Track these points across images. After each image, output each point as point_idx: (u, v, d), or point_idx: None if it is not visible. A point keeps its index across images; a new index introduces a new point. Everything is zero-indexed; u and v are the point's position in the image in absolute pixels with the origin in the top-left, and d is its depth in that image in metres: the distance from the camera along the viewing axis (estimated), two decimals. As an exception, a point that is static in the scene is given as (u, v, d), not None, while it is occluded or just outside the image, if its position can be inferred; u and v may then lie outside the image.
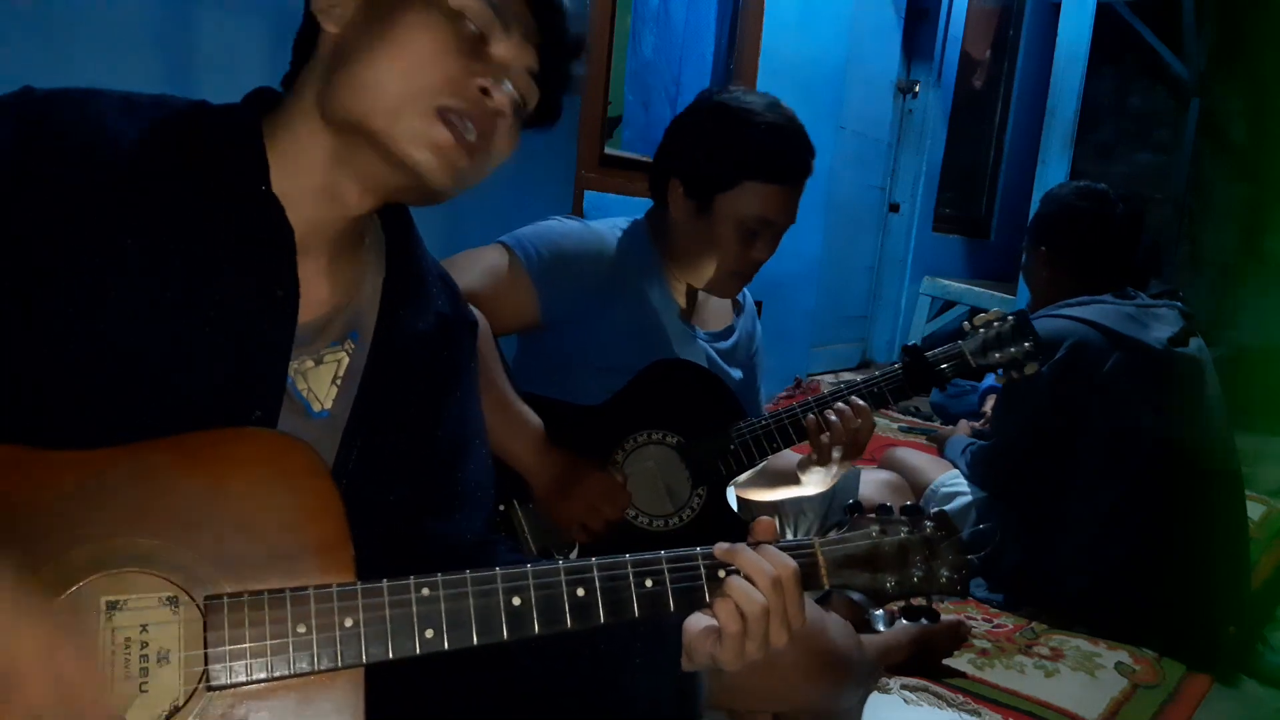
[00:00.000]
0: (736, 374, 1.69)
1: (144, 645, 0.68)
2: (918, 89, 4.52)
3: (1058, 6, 4.11)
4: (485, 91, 0.80)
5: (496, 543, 1.01)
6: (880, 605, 0.92)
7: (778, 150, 1.50)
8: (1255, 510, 2.79)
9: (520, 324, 1.51)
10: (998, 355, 1.54)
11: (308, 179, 0.81)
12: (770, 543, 0.87)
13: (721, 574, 0.84)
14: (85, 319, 0.73)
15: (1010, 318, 1.56)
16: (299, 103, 0.82)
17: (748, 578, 0.84)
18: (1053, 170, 3.98)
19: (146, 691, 0.68)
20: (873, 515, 0.94)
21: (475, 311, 1.38)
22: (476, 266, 1.46)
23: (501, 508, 1.42)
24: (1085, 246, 2.27)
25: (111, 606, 0.68)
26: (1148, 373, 2.08)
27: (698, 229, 1.54)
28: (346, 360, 0.87)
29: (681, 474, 1.50)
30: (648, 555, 0.83)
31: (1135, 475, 2.06)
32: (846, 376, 4.35)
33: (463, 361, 0.99)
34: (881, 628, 0.94)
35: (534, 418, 1.40)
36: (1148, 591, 2.05)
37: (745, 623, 0.83)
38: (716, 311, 1.73)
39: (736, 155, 1.50)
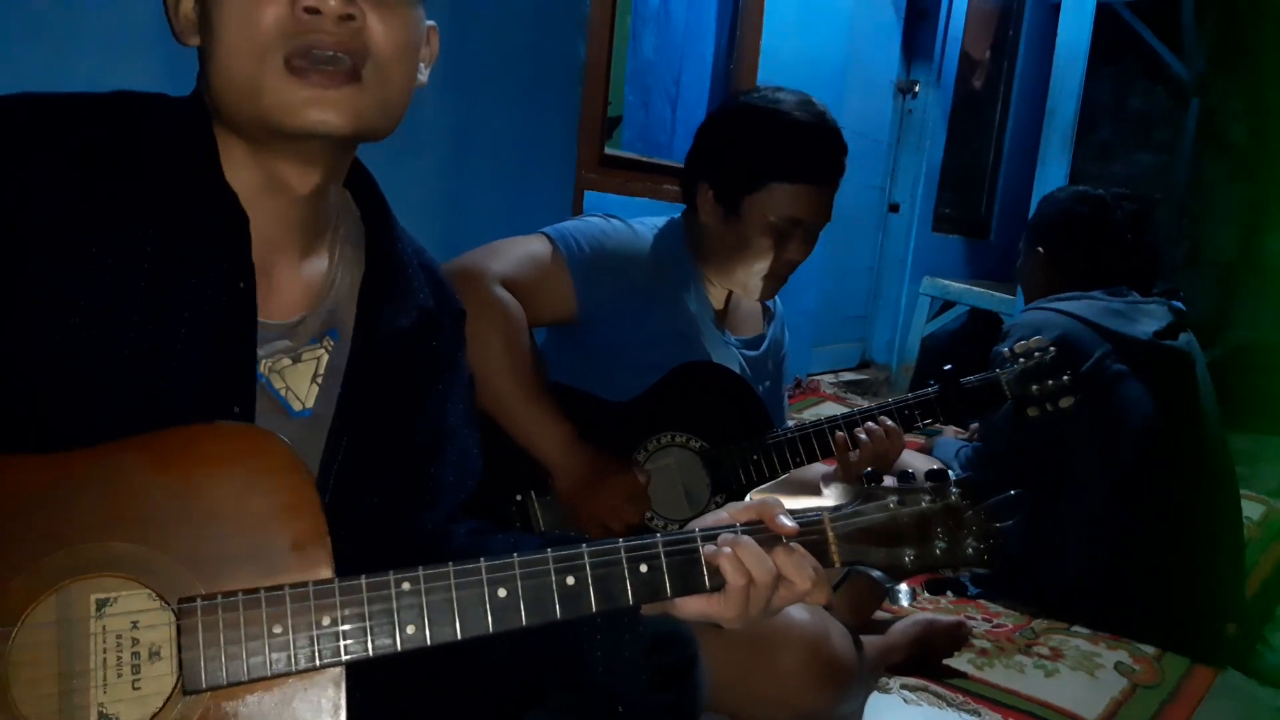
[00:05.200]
0: (765, 383, 1.67)
1: (135, 642, 0.68)
2: (917, 89, 4.51)
3: (1057, 7, 4.11)
4: (312, 10, 0.74)
5: (469, 530, 1.00)
6: (900, 580, 0.86)
7: (802, 149, 1.48)
8: (1254, 510, 2.79)
9: (556, 318, 1.50)
10: (1036, 388, 1.52)
11: (249, 173, 0.81)
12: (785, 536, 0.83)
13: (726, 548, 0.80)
14: (52, 321, 0.73)
15: (1052, 348, 1.53)
16: (215, 116, 0.82)
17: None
18: (1052, 171, 3.98)
19: (139, 689, 0.68)
20: (890, 485, 0.86)
21: (510, 299, 1.38)
22: (517, 254, 1.44)
23: (519, 498, 1.41)
24: (1082, 250, 2.28)
25: (101, 604, 0.68)
26: (1134, 366, 2.08)
27: (728, 232, 1.52)
28: (326, 358, 0.86)
29: (702, 479, 1.49)
30: (643, 539, 0.80)
31: (1125, 469, 2.07)
32: (846, 376, 4.34)
33: (447, 354, 0.98)
34: (905, 603, 0.88)
35: (561, 411, 1.39)
36: (1143, 586, 2.05)
37: (752, 585, 0.80)
38: (749, 318, 1.72)
39: (760, 156, 1.48)
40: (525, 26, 2.01)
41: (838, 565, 0.85)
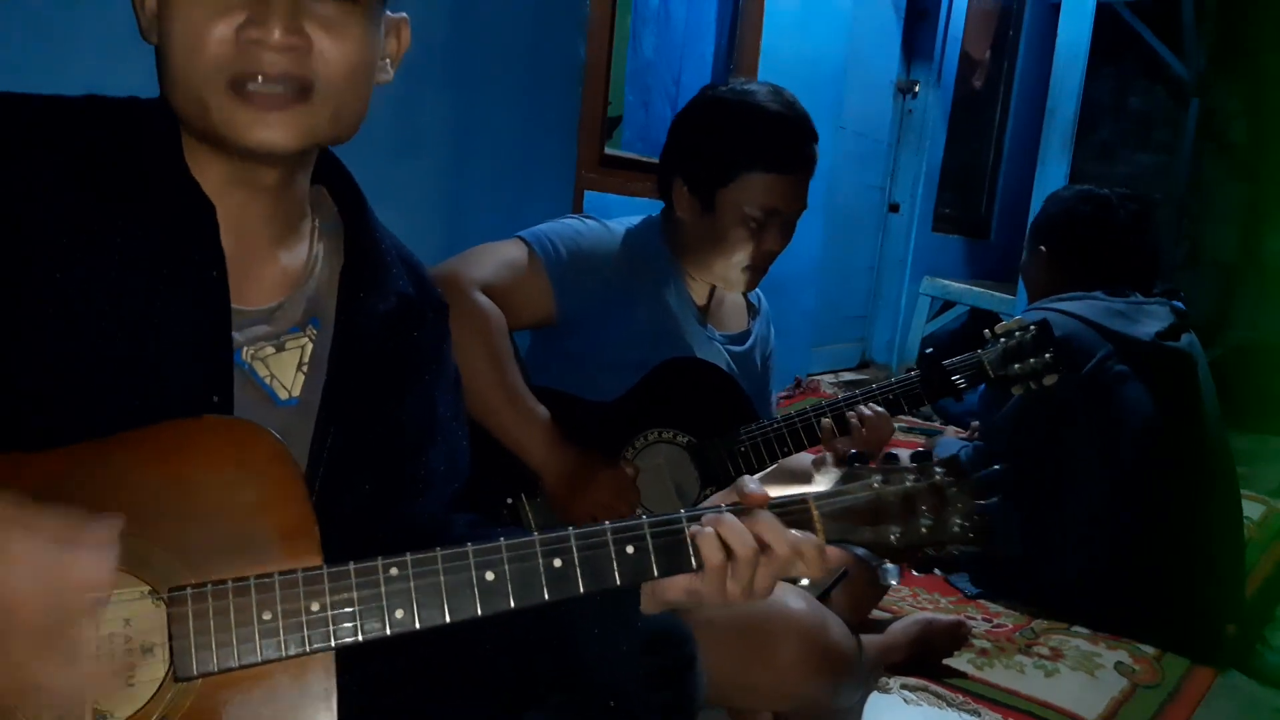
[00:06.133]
0: (751, 378, 1.67)
1: (128, 639, 0.69)
2: (917, 89, 4.51)
3: (1057, 7, 4.11)
4: (256, 42, 0.74)
5: (468, 522, 1.00)
6: (886, 558, 0.86)
7: (772, 139, 1.48)
8: (1254, 510, 2.78)
9: (535, 320, 1.50)
10: (1018, 366, 1.51)
11: (214, 168, 0.81)
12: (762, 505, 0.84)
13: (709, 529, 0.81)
14: (55, 323, 0.73)
15: (1032, 327, 1.53)
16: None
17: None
18: (1052, 170, 3.98)
19: (133, 685, 0.68)
20: (875, 465, 0.87)
21: (489, 304, 1.39)
22: (494, 260, 1.44)
23: (510, 501, 1.41)
24: (1084, 249, 2.28)
25: (95, 602, 0.68)
26: (1135, 366, 2.09)
27: (704, 226, 1.52)
28: (310, 346, 0.87)
29: (691, 474, 1.49)
30: (629, 521, 0.81)
31: (1126, 469, 2.07)
32: (846, 376, 4.34)
33: (430, 343, 0.98)
34: (893, 581, 0.88)
35: (545, 412, 1.39)
36: (1143, 586, 2.05)
37: (733, 560, 0.81)
38: (733, 313, 1.72)
39: (730, 149, 1.48)
40: (525, 26, 2.01)
41: (823, 540, 0.85)
